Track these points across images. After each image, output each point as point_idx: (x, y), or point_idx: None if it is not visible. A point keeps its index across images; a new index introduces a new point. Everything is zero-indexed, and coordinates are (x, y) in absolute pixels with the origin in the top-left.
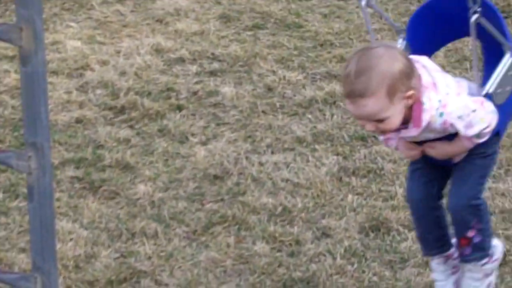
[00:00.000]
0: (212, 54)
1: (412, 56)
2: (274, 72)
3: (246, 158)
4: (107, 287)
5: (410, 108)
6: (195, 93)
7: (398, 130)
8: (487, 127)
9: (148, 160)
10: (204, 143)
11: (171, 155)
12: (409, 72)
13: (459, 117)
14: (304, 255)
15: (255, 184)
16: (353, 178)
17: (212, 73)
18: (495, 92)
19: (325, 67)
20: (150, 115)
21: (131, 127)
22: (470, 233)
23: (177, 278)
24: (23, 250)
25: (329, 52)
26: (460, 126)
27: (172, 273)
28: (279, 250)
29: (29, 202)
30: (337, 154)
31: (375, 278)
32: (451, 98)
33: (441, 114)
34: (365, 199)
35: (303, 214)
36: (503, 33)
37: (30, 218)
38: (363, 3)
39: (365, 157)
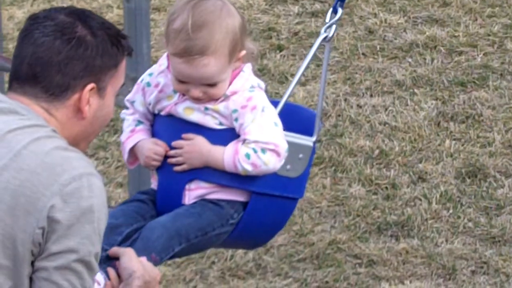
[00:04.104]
0: None
1: None
2: (375, 15)
3: (345, 100)
4: None
5: None
6: (295, 33)
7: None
8: (271, 148)
9: None
10: (303, 84)
11: (270, 95)
12: (245, 29)
13: (263, 110)
14: (399, 199)
15: (353, 126)
16: (451, 123)
17: (314, 14)
18: None
19: (427, 11)
20: None
21: None
22: (153, 257)
23: None
24: (120, 184)
25: None
26: (256, 118)
27: None
28: (374, 193)
29: None
30: (436, 99)
31: (470, 224)
32: (267, 98)
33: (252, 90)
34: (462, 145)
35: (400, 158)
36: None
37: None
38: None
39: (464, 102)
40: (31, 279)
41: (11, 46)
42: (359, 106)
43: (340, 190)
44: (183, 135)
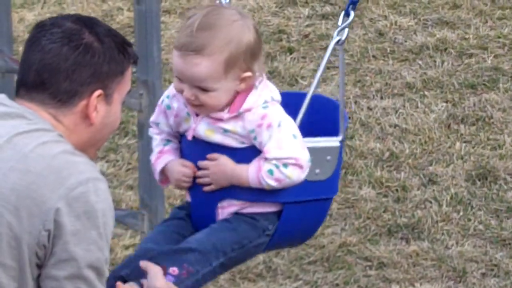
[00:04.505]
0: None
1: None
2: (385, 17)
3: (355, 102)
4: None
5: (236, 95)
6: (306, 36)
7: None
8: (292, 162)
9: None
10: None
11: None
12: (257, 51)
13: (279, 125)
14: (410, 201)
15: (363, 128)
16: (462, 126)
17: (324, 16)
18: None
19: (437, 13)
20: None
21: None
22: (180, 269)
23: None
24: (131, 187)
25: None
26: (273, 134)
27: None
28: (385, 196)
29: (139, 139)
30: (446, 101)
31: (480, 227)
32: (282, 109)
33: (265, 106)
34: (473, 147)
35: (410, 160)
36: (344, 120)
37: (139, 156)
38: None
39: (474, 105)
40: (38, 286)
41: (21, 48)
42: (369, 109)
43: (350, 193)
44: (208, 156)
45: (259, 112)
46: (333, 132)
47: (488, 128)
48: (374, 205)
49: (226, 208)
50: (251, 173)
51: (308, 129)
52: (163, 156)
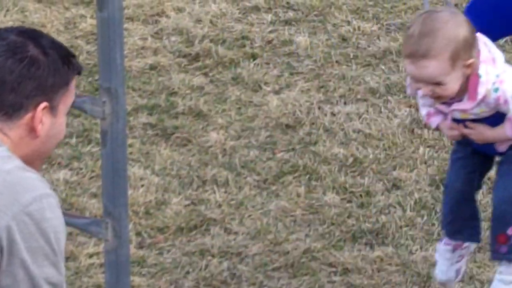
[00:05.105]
0: (287, 3)
1: None
2: (348, 23)
3: (319, 108)
4: (177, 234)
5: (466, 79)
6: (269, 42)
7: (450, 102)
8: None
9: (220, 108)
10: (277, 92)
11: (244, 104)
12: (472, 41)
13: None
14: (374, 207)
15: (326, 134)
16: (425, 131)
17: (287, 22)
18: None
19: (400, 18)
20: (224, 63)
21: (205, 74)
22: (510, 231)
23: (247, 227)
24: (94, 195)
25: (405, 3)
26: (511, 107)
27: (241, 222)
28: (349, 201)
29: (102, 147)
30: (410, 106)
31: None
32: (509, 76)
33: (496, 90)
34: (436, 152)
35: (374, 165)
36: None
37: (103, 164)
38: None
39: None
40: None
41: None
42: (333, 114)
43: (314, 198)
44: (467, 124)
45: (493, 97)
46: None
47: None
48: (338, 211)
49: (502, 144)
50: (508, 131)
51: None
52: (431, 118)
